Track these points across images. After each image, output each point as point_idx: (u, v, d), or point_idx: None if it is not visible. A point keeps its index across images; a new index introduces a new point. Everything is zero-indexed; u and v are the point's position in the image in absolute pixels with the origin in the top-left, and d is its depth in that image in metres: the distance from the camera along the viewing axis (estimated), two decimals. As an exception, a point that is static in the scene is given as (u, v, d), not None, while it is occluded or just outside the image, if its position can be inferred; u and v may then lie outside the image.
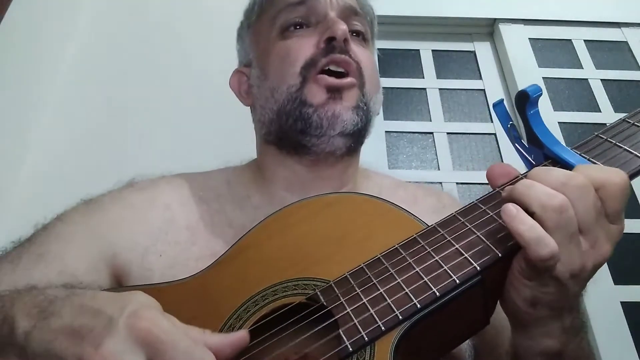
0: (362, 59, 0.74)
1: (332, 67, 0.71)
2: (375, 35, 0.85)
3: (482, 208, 0.52)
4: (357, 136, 0.73)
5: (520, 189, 0.48)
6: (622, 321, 1.28)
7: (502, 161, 1.59)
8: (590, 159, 0.52)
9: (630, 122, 0.55)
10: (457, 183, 1.56)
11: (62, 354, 0.38)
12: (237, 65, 0.86)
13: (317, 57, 0.71)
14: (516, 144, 0.57)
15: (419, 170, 1.60)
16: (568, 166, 0.51)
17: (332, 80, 0.70)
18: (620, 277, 1.35)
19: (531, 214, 0.46)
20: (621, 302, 1.31)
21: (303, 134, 0.70)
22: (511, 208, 0.46)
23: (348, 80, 0.71)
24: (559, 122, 1.62)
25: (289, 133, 0.72)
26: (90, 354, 0.37)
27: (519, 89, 1.67)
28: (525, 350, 0.54)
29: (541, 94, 0.52)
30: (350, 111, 0.70)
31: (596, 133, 0.55)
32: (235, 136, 0.95)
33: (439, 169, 1.59)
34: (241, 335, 0.44)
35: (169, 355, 0.38)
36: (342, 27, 0.71)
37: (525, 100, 0.53)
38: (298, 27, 0.75)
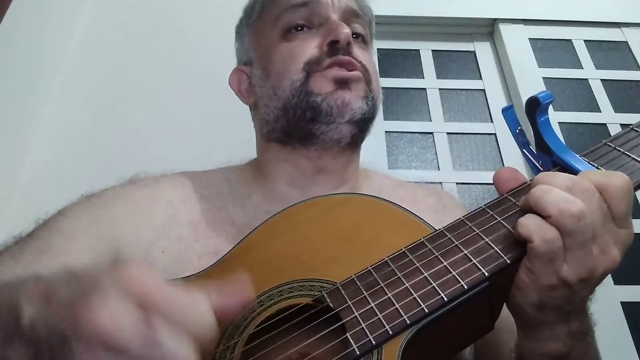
0: (364, 60, 0.75)
1: (336, 69, 0.72)
2: (374, 35, 0.85)
3: (489, 213, 0.52)
4: (362, 127, 0.74)
5: (537, 193, 0.47)
6: (622, 321, 1.29)
7: (502, 161, 1.59)
8: (599, 167, 0.52)
9: (638, 131, 0.55)
10: (457, 183, 1.56)
11: (60, 327, 0.37)
12: (236, 63, 0.86)
13: (321, 56, 0.72)
14: (524, 150, 0.57)
15: (419, 170, 1.60)
16: (576, 173, 0.51)
17: (340, 72, 0.71)
18: (620, 277, 1.35)
19: (546, 217, 0.46)
20: (621, 302, 1.32)
21: (313, 122, 0.71)
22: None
23: (356, 72, 0.72)
24: (559, 122, 1.62)
25: (298, 124, 0.72)
26: (84, 323, 0.35)
27: (519, 90, 1.65)
28: (530, 352, 0.54)
29: (552, 101, 0.52)
30: (360, 100, 0.71)
31: (604, 141, 0.55)
32: (236, 135, 0.95)
33: (439, 169, 1.59)
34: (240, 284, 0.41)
35: (163, 303, 0.36)
36: (345, 31, 0.72)
37: (535, 107, 0.53)
38: (300, 28, 0.76)
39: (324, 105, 0.70)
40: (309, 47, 0.73)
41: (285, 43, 0.75)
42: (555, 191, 0.46)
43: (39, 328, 0.38)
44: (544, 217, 0.46)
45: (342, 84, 0.71)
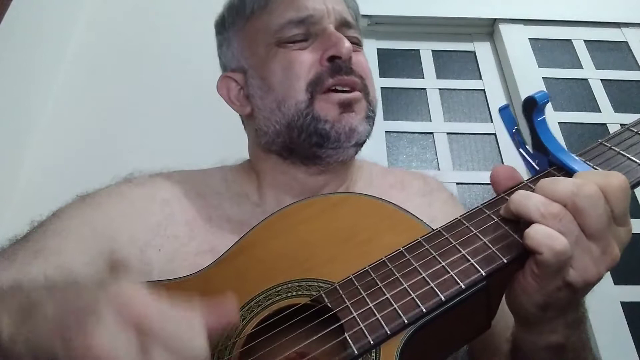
0: (364, 68, 0.75)
1: (339, 88, 0.71)
2: (361, 32, 0.84)
3: (486, 213, 0.52)
4: (364, 142, 0.75)
5: (517, 199, 0.48)
6: (622, 321, 1.29)
7: (502, 161, 1.60)
8: (595, 166, 0.52)
9: (634, 131, 0.55)
10: (457, 183, 1.56)
11: (50, 352, 0.35)
12: (221, 68, 0.84)
13: (323, 75, 0.71)
14: (521, 150, 0.57)
15: (419, 170, 1.60)
16: (572, 173, 0.51)
17: (342, 95, 0.71)
18: (620, 277, 1.36)
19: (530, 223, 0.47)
20: (621, 302, 1.32)
21: (319, 146, 0.71)
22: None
23: (357, 93, 0.72)
24: (559, 122, 1.63)
25: (302, 145, 0.72)
26: (79, 347, 0.34)
27: (519, 90, 1.65)
28: (529, 345, 0.55)
29: (548, 101, 0.52)
30: (365, 122, 0.72)
31: (600, 141, 0.55)
32: (231, 136, 0.95)
33: (439, 169, 1.59)
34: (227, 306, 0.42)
35: (160, 330, 0.36)
36: (346, 45, 0.71)
37: (532, 107, 0.53)
38: (297, 39, 0.74)
39: (332, 133, 0.70)
40: (309, 60, 0.72)
41: (282, 50, 0.73)
42: (534, 196, 0.47)
43: (20, 344, 0.37)
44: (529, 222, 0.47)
45: (346, 106, 0.71)
